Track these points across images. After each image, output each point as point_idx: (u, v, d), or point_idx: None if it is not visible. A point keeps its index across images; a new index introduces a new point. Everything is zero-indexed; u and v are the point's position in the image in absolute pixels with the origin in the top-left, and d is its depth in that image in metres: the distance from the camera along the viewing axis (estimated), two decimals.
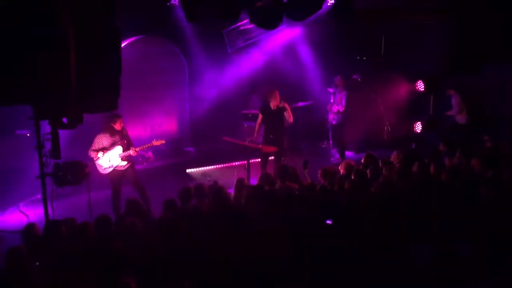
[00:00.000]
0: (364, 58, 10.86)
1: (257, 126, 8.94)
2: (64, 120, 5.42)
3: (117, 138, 7.42)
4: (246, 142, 8.89)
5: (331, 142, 10.67)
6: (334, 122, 10.35)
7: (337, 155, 10.31)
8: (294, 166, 7.15)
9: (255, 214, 5.42)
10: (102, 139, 7.38)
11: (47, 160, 6.04)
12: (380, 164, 6.98)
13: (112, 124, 7.36)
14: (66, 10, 4.76)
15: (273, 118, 8.67)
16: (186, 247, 4.68)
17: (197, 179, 9.39)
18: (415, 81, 10.25)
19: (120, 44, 5.54)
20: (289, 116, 8.57)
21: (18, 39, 4.68)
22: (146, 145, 7.66)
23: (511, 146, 7.68)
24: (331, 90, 10.26)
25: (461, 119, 9.37)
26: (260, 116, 8.83)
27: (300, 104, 11.04)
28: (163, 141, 7.86)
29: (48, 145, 5.87)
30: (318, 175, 6.84)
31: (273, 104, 8.61)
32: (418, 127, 10.33)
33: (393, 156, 7.33)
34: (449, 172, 6.26)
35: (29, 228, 5.13)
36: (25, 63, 4.75)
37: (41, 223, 5.47)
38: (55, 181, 6.32)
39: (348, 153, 10.34)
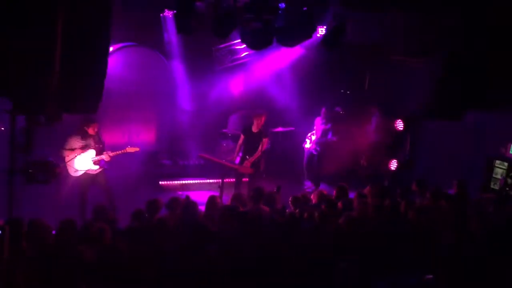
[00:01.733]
0: (348, 92, 11.04)
1: (238, 146, 8.97)
2: (42, 117, 5.34)
3: (90, 141, 7.34)
4: (223, 160, 8.89)
5: (305, 170, 10.72)
6: (314, 152, 10.44)
7: (309, 184, 10.37)
8: (268, 190, 7.14)
9: (224, 233, 5.40)
10: (75, 141, 7.28)
11: (18, 156, 5.90)
12: (354, 197, 7.05)
13: (85, 127, 7.29)
14: (58, 9, 4.73)
15: (254, 140, 8.73)
16: (150, 258, 4.62)
17: (169, 192, 9.31)
18: (395, 119, 10.43)
19: (108, 48, 5.52)
20: (264, 143, 8.66)
21: (6, 33, 4.62)
22: (120, 151, 7.58)
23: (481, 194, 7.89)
24: (318, 121, 10.41)
25: None
26: (242, 137, 8.87)
27: (280, 129, 11.11)
28: (138, 149, 7.81)
29: (21, 141, 5.74)
30: (289, 202, 6.87)
31: (255, 127, 8.68)
32: (394, 164, 10.47)
33: (367, 190, 7.41)
34: (416, 211, 6.36)
35: None
36: (9, 56, 4.68)
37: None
38: (25, 177, 6.17)
39: (322, 185, 10.39)
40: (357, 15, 8.52)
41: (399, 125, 10.41)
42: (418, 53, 8.41)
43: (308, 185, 10.41)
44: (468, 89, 7.02)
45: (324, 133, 10.39)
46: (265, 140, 8.74)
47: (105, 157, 7.33)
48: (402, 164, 10.22)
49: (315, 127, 10.47)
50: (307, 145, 10.54)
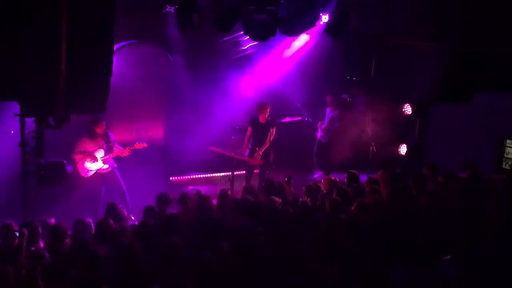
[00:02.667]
0: (354, 78, 10.97)
1: (246, 138, 8.97)
2: (50, 119, 5.38)
3: (99, 141, 7.38)
4: (233, 153, 8.90)
5: (314, 159, 10.70)
6: (323, 140, 10.42)
7: (319, 173, 10.35)
8: (279, 181, 7.15)
9: (237, 225, 5.41)
10: (85, 143, 7.34)
11: (29, 158, 5.97)
12: (366, 183, 7.05)
13: (93, 127, 7.33)
14: (61, 10, 4.73)
15: (261, 131, 8.73)
16: (164, 255, 4.64)
17: (180, 187, 9.36)
18: (403, 103, 10.36)
19: (112, 47, 5.53)
20: (271, 134, 8.66)
21: (11, 36, 4.65)
22: (129, 148, 7.61)
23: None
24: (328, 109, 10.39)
25: None
26: (249, 128, 8.87)
27: (287, 119, 11.08)
28: (145, 144, 7.85)
29: (32, 143, 5.80)
30: (303, 191, 6.88)
31: (262, 118, 8.67)
32: (403, 149, 10.41)
33: (378, 176, 7.40)
34: (429, 196, 6.34)
35: (5, 227, 5.03)
36: (16, 61, 4.71)
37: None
38: (37, 179, 6.24)
39: (332, 173, 10.36)
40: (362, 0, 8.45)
41: (407, 109, 10.34)
42: (425, 37, 8.33)
43: (318, 174, 10.40)
44: (477, 70, 6.94)
45: (332, 121, 10.37)
46: (272, 130, 8.74)
47: (117, 153, 7.37)
48: (412, 149, 10.16)
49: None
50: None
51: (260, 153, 8.68)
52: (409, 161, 9.97)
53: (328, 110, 10.47)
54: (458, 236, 5.19)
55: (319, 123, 10.53)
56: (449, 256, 4.66)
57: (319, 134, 10.53)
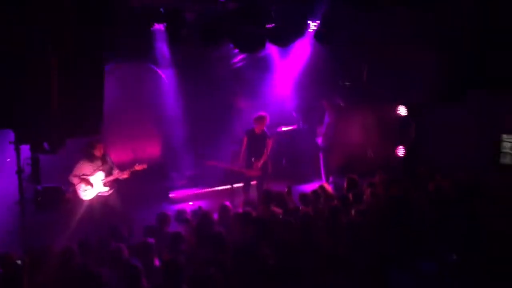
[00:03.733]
0: (347, 83, 11.01)
1: (242, 150, 8.97)
2: (45, 144, 5.36)
3: (98, 163, 7.36)
4: (230, 165, 8.90)
5: (321, 166, 10.67)
6: (322, 146, 10.45)
7: (330, 178, 10.31)
8: (278, 191, 7.13)
9: (240, 239, 5.40)
10: (83, 166, 7.30)
11: (26, 185, 5.94)
12: (364, 186, 7.06)
13: (92, 150, 7.31)
14: (51, 37, 4.75)
15: (258, 142, 8.73)
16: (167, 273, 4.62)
17: (180, 203, 9.34)
18: (396, 106, 10.41)
19: (103, 68, 5.52)
20: (267, 148, 8.67)
21: (1, 67, 4.65)
22: (129, 170, 7.59)
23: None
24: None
25: None
26: (245, 139, 8.87)
27: (283, 128, 11.09)
28: (145, 166, 7.81)
29: (28, 170, 5.78)
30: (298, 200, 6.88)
31: (258, 129, 8.68)
32: (401, 151, 10.44)
33: (376, 179, 7.41)
34: (427, 195, 6.35)
35: (5, 257, 5.00)
36: (6, 88, 4.71)
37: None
38: (35, 206, 6.22)
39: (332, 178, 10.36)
40: (351, 10, 8.50)
41: (401, 110, 10.39)
42: (418, 44, 8.39)
43: (330, 180, 10.34)
44: (469, 69, 6.99)
45: (329, 126, 10.37)
46: (269, 141, 8.76)
47: (118, 175, 7.36)
48: (409, 150, 10.18)
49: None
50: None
51: (259, 165, 8.68)
52: (406, 163, 9.99)
53: (326, 115, 10.49)
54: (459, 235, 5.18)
55: (318, 128, 10.54)
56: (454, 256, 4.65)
57: (319, 139, 10.54)
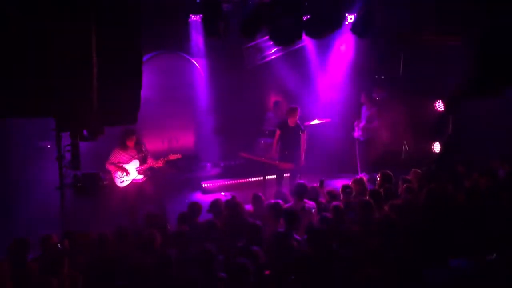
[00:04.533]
0: (383, 77, 10.85)
1: (274, 142, 8.97)
2: (85, 132, 5.51)
3: (133, 152, 7.53)
4: (263, 158, 8.91)
5: (357, 160, 10.59)
6: (361, 139, 10.34)
7: (363, 173, 10.22)
8: (312, 185, 7.10)
9: (272, 231, 5.42)
10: (119, 153, 7.48)
11: (66, 171, 6.14)
12: (400, 182, 6.96)
13: (125, 140, 7.48)
14: (91, 27, 4.85)
15: (291, 134, 8.71)
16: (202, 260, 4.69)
17: (213, 193, 9.44)
18: (434, 101, 10.20)
19: (141, 59, 5.63)
20: (303, 141, 8.65)
21: (44, 54, 4.79)
22: (163, 159, 7.71)
23: None
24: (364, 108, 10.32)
25: None
26: (278, 132, 8.87)
27: (317, 121, 11.02)
28: (179, 155, 7.91)
29: (68, 156, 5.96)
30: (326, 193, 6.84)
31: (291, 122, 8.66)
32: (437, 147, 10.23)
33: (411, 175, 7.30)
34: (465, 193, 6.21)
35: (46, 239, 5.17)
36: (49, 77, 4.85)
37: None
38: (74, 191, 6.41)
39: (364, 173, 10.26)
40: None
41: (439, 106, 10.17)
42: (453, 31, 8.18)
43: (362, 174, 10.25)
44: (508, 64, 6.76)
45: (370, 119, 10.26)
46: (303, 136, 8.74)
47: (153, 164, 7.51)
48: (446, 146, 9.96)
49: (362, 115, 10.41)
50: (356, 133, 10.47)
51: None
52: (443, 159, 9.78)
53: (363, 108, 10.37)
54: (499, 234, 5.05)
55: (356, 122, 10.44)
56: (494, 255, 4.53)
57: (356, 133, 10.43)
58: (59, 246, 4.90)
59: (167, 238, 5.32)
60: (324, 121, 10.37)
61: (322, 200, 6.74)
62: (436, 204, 5.95)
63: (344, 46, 10.77)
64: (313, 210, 6.32)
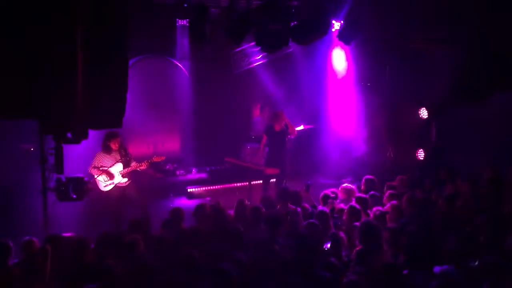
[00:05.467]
0: (368, 84, 10.94)
1: (261, 147, 8.98)
2: (69, 135, 5.45)
3: (117, 155, 7.47)
4: (249, 163, 8.91)
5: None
6: None
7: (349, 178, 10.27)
8: (297, 190, 7.13)
9: (256, 235, 5.42)
10: (102, 157, 7.43)
11: (49, 174, 6.06)
12: (384, 189, 7.02)
13: (108, 143, 7.42)
14: (77, 29, 4.82)
15: (277, 140, 8.73)
16: (186, 266, 4.66)
17: (198, 198, 9.40)
18: (418, 108, 10.30)
19: (127, 62, 5.60)
20: (291, 127, 8.67)
21: (28, 55, 4.74)
22: (147, 161, 7.66)
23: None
24: None
25: None
26: (265, 137, 8.88)
27: (304, 127, 11.07)
28: (163, 158, 7.88)
29: (51, 160, 5.89)
30: (320, 199, 6.87)
31: (277, 127, 8.68)
32: (421, 154, 10.33)
33: (397, 181, 7.36)
34: (447, 200, 6.28)
35: (28, 244, 5.10)
36: (33, 79, 4.80)
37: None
38: (57, 195, 6.33)
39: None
40: (374, 7, 8.42)
41: (423, 113, 10.27)
42: (439, 38, 8.28)
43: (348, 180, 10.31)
44: (494, 70, 6.87)
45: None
46: (290, 127, 8.77)
47: (135, 166, 7.45)
48: (430, 153, 10.06)
49: None
50: None
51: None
52: (427, 166, 9.87)
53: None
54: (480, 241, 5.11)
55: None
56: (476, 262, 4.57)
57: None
58: (41, 250, 4.82)
59: (149, 243, 5.28)
60: (309, 127, 10.42)
61: (306, 205, 6.76)
62: (417, 210, 6.01)
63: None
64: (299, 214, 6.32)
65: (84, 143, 5.40)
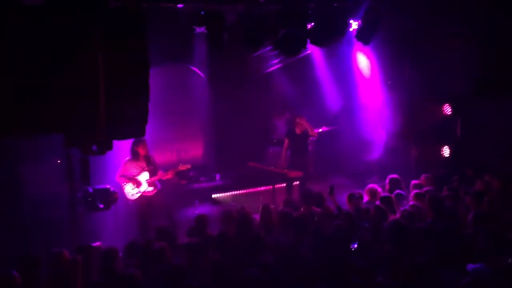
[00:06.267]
0: (389, 82, 10.83)
1: (283, 151, 8.99)
2: (94, 147, 5.54)
3: (143, 163, 7.54)
4: (271, 167, 8.92)
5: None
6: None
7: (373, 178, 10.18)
8: (320, 191, 7.10)
9: (282, 240, 5.42)
10: (130, 166, 7.51)
11: (77, 186, 6.19)
12: (410, 188, 6.94)
13: (135, 148, 7.50)
14: (97, 42, 4.90)
15: (299, 143, 8.73)
16: (213, 273, 4.69)
17: (223, 204, 9.43)
18: (441, 104, 10.15)
19: (148, 71, 5.66)
20: (312, 130, 8.64)
21: (49, 67, 4.84)
22: (173, 170, 7.72)
23: None
24: None
25: None
26: (286, 141, 8.88)
27: (324, 128, 11.02)
28: (189, 166, 7.93)
29: (78, 172, 6.00)
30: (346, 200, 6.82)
31: (298, 129, 8.68)
32: (446, 151, 10.17)
33: (422, 180, 7.27)
34: (475, 197, 6.17)
35: (58, 255, 5.19)
36: (57, 93, 4.89)
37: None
38: (85, 206, 6.45)
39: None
40: (391, 5, 8.34)
41: (447, 109, 10.12)
42: (460, 33, 8.14)
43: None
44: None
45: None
46: (309, 130, 8.73)
47: (163, 176, 7.52)
48: (455, 150, 9.89)
49: None
50: None
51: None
52: (453, 163, 9.72)
53: None
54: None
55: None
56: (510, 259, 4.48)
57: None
58: (73, 260, 4.90)
59: (176, 251, 5.32)
60: (331, 128, 10.37)
61: (331, 206, 6.73)
62: (446, 208, 5.92)
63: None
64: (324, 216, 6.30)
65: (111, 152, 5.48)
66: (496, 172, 7.02)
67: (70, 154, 6.13)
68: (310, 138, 8.89)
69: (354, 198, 6.71)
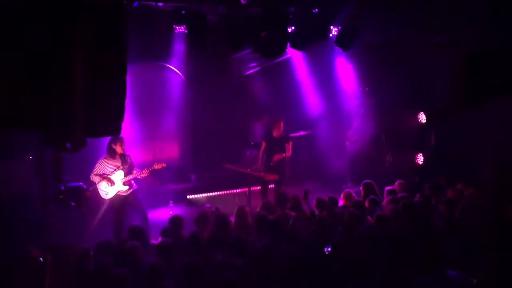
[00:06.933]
0: (367, 88, 10.96)
1: (260, 154, 8.98)
2: (68, 144, 5.44)
3: (118, 162, 7.43)
4: (248, 169, 8.91)
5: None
6: (350, 150, 10.51)
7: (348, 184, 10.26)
8: (296, 195, 7.12)
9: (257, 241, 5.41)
10: (104, 164, 7.39)
11: (49, 184, 6.06)
12: (384, 194, 7.02)
13: (113, 146, 7.39)
14: (75, 40, 4.82)
15: (276, 146, 8.73)
16: (185, 275, 4.65)
17: (197, 205, 9.38)
18: (417, 112, 10.31)
19: (125, 69, 5.59)
20: (288, 150, 8.67)
21: (25, 65, 4.74)
22: (147, 169, 7.63)
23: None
24: None
25: None
26: (264, 144, 8.89)
27: (302, 133, 11.08)
28: (164, 165, 7.82)
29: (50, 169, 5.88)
30: (314, 205, 6.85)
31: (276, 133, 8.69)
32: (420, 158, 10.33)
33: (396, 186, 7.36)
34: (447, 204, 6.27)
35: (28, 254, 5.07)
36: (31, 89, 4.79)
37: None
38: (57, 204, 6.32)
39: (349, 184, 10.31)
40: (372, 13, 8.44)
41: (422, 117, 10.28)
42: (439, 43, 8.29)
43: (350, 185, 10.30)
44: (493, 77, 6.89)
45: (356, 131, 10.42)
46: (288, 145, 8.75)
47: (137, 175, 7.41)
48: (429, 158, 10.06)
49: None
50: None
51: (276, 160, 8.62)
52: (427, 170, 9.87)
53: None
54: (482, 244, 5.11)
55: (348, 133, 10.57)
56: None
57: (348, 144, 10.58)
58: (41, 260, 4.80)
59: (149, 251, 5.26)
60: (308, 133, 10.42)
61: (305, 210, 6.75)
62: (419, 214, 6.01)
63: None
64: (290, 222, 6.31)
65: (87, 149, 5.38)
66: (468, 180, 7.15)
67: (43, 151, 5.99)
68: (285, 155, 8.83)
69: (325, 204, 6.74)
